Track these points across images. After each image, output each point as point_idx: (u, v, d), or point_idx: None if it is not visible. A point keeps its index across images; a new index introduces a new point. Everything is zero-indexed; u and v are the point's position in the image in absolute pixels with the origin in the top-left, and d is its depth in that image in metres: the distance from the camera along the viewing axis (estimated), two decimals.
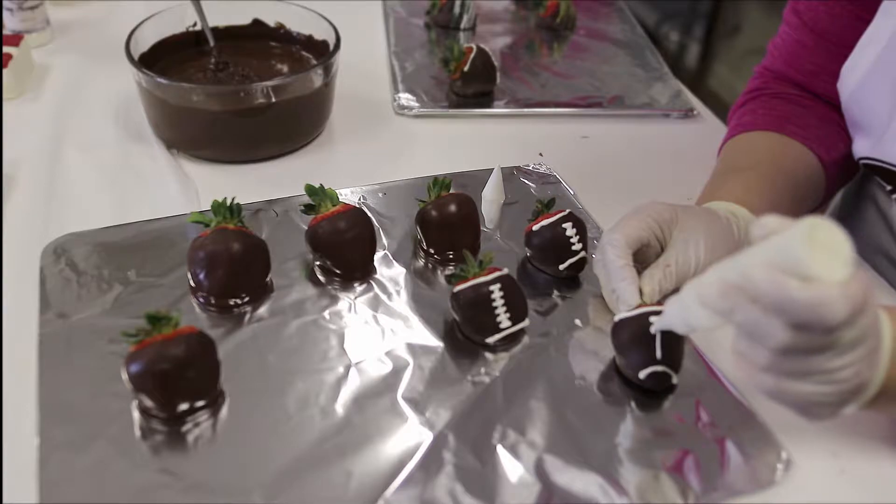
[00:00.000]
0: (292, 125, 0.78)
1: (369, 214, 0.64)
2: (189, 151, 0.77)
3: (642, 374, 0.53)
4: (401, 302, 0.61)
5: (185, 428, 0.50)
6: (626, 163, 0.83)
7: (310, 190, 0.62)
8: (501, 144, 0.84)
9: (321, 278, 0.62)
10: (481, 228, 0.68)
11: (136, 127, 0.80)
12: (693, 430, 0.52)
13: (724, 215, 0.61)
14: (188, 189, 0.72)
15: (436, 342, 0.58)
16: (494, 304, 0.56)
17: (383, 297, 0.61)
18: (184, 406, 0.50)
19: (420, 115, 0.87)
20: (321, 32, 0.84)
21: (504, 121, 0.89)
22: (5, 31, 0.91)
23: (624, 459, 0.50)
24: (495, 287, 0.56)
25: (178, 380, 0.49)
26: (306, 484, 0.47)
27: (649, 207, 0.60)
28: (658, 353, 0.53)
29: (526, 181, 0.76)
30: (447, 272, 0.64)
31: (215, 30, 0.85)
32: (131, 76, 0.75)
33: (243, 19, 0.88)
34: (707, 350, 0.58)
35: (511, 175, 0.76)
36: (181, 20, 0.84)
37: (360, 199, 0.71)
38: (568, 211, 0.63)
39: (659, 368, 0.53)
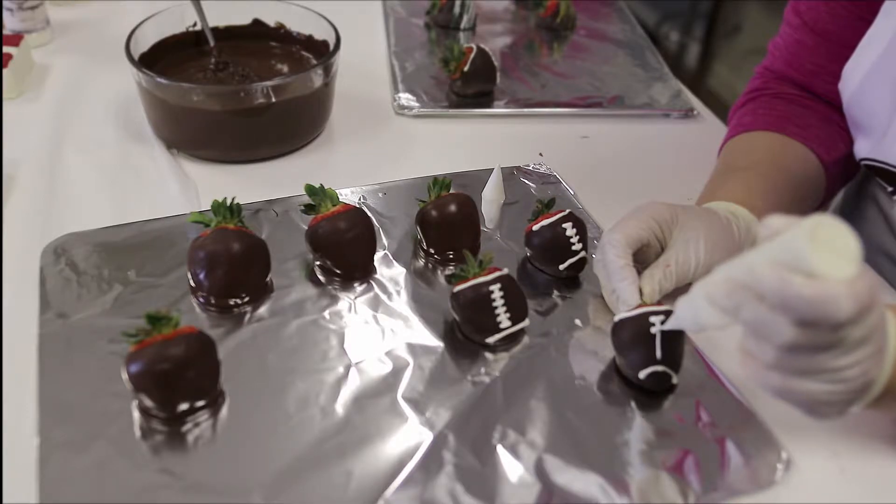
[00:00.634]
0: (292, 125, 0.78)
1: (369, 214, 0.64)
2: (189, 151, 0.77)
3: (642, 374, 0.53)
4: (401, 302, 0.61)
5: (185, 428, 0.50)
6: (626, 163, 0.83)
7: (310, 190, 0.62)
8: (501, 144, 0.84)
9: (321, 278, 0.62)
10: (481, 228, 0.68)
11: (136, 127, 0.80)
12: (693, 430, 0.52)
13: (724, 215, 0.61)
14: (188, 189, 0.72)
15: (436, 342, 0.57)
16: (494, 304, 0.56)
17: (383, 297, 0.61)
18: (184, 406, 0.50)
19: (420, 115, 0.87)
20: (321, 32, 0.84)
21: (504, 121, 0.89)
22: (5, 31, 0.91)
23: (624, 459, 0.50)
24: (495, 287, 0.56)
25: (178, 380, 0.49)
26: (306, 484, 0.47)
27: (649, 207, 0.60)
28: (658, 353, 0.53)
29: (526, 181, 0.76)
30: (447, 272, 0.64)
31: (215, 30, 0.85)
32: (131, 76, 0.75)
33: (243, 19, 0.88)
34: (707, 350, 0.58)
35: (511, 175, 0.76)
36: (181, 20, 0.84)
37: (360, 199, 0.71)
38: (568, 211, 0.63)
39: (659, 368, 0.53)
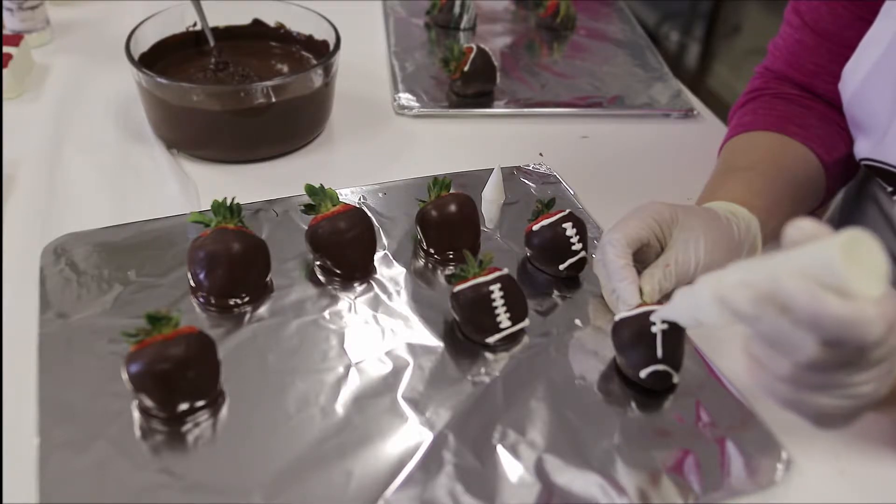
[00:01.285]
0: (292, 125, 0.78)
1: (369, 214, 0.64)
2: (189, 151, 0.77)
3: (643, 374, 0.53)
4: (401, 302, 0.61)
5: (185, 428, 0.50)
6: (626, 163, 0.83)
7: (310, 190, 0.62)
8: (501, 144, 0.84)
9: (321, 278, 0.62)
10: (481, 228, 0.68)
11: (136, 127, 0.80)
12: (693, 430, 0.52)
13: (724, 215, 0.61)
14: (188, 189, 0.72)
15: (436, 342, 0.57)
16: (494, 304, 0.56)
17: (383, 297, 0.61)
18: (184, 406, 0.50)
19: (420, 115, 0.87)
20: (321, 32, 0.84)
21: (504, 121, 0.89)
22: (5, 31, 0.91)
23: (624, 459, 0.50)
24: (495, 287, 0.56)
25: (178, 380, 0.49)
26: (306, 484, 0.47)
27: (649, 207, 0.60)
28: (659, 353, 0.53)
29: (526, 181, 0.76)
30: (447, 272, 0.64)
31: (215, 30, 0.85)
32: (131, 76, 0.75)
33: (243, 19, 0.88)
34: (707, 350, 0.58)
35: (511, 175, 0.76)
36: (181, 20, 0.84)
37: (360, 199, 0.71)
38: (568, 211, 0.63)
39: (660, 367, 0.53)
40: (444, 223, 0.64)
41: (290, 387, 0.53)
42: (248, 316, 0.58)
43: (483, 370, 0.56)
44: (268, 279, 0.61)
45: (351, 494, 0.47)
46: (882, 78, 0.63)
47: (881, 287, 0.37)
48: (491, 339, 0.56)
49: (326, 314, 0.59)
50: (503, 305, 0.56)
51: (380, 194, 0.72)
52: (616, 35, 1.10)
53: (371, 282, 0.62)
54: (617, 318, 0.56)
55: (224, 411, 0.51)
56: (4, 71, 0.82)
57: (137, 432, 0.49)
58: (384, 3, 1.11)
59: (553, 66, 1.00)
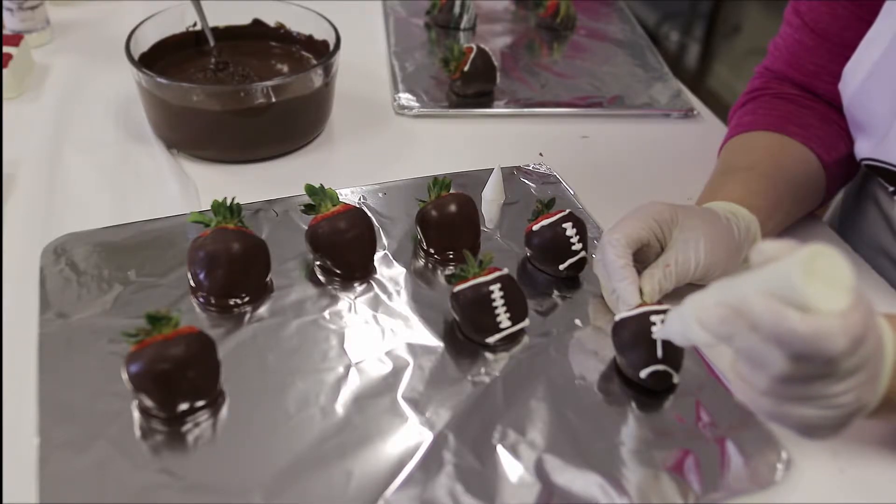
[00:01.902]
0: (292, 125, 0.78)
1: (369, 214, 0.64)
2: (189, 151, 0.77)
3: (643, 374, 0.53)
4: (401, 302, 0.61)
5: (185, 428, 0.50)
6: (626, 163, 0.83)
7: (310, 190, 0.62)
8: (501, 144, 0.84)
9: (321, 278, 0.62)
10: (481, 228, 0.68)
11: (136, 127, 0.80)
12: (693, 430, 0.52)
13: (724, 215, 0.61)
14: (188, 189, 0.72)
15: (436, 342, 0.57)
16: (494, 304, 0.56)
17: (383, 297, 0.61)
18: (184, 406, 0.50)
19: (420, 115, 0.87)
20: (321, 32, 0.84)
21: (504, 121, 0.89)
22: (5, 31, 0.91)
23: (624, 459, 0.50)
24: (495, 287, 0.56)
25: (178, 380, 0.49)
26: (306, 484, 0.47)
27: (649, 207, 0.60)
28: (659, 353, 0.53)
29: (526, 181, 0.76)
30: (447, 272, 0.64)
31: (215, 30, 0.85)
32: (131, 76, 0.75)
33: (243, 19, 0.88)
34: (707, 350, 0.58)
35: (511, 175, 0.76)
36: (181, 20, 0.84)
37: (360, 199, 0.71)
38: (568, 211, 0.63)
39: (660, 368, 0.53)
40: (444, 223, 0.64)
41: (290, 387, 0.53)
42: (248, 316, 0.58)
43: (483, 370, 0.56)
44: (268, 279, 0.61)
45: (351, 494, 0.47)
46: (882, 78, 0.63)
47: (845, 300, 0.38)
48: (491, 339, 0.56)
49: (326, 314, 0.59)
50: (503, 305, 0.56)
51: (380, 194, 0.72)
52: (616, 35, 1.10)
53: (371, 282, 0.62)
54: (617, 318, 0.56)
55: (224, 411, 0.51)
56: (4, 71, 0.82)
57: (137, 432, 0.49)
58: (384, 3, 1.11)
59: (553, 66, 1.00)
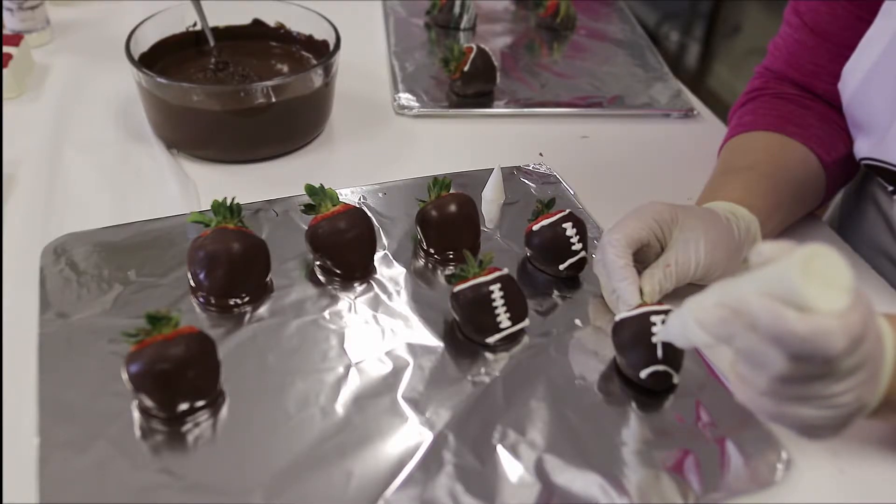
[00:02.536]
0: (292, 125, 0.78)
1: (369, 214, 0.64)
2: (189, 151, 0.77)
3: (643, 374, 0.53)
4: (401, 302, 0.61)
5: (185, 428, 0.50)
6: (626, 163, 0.83)
7: (310, 190, 0.62)
8: (501, 144, 0.84)
9: (321, 278, 0.62)
10: (481, 228, 0.68)
11: (136, 127, 0.80)
12: (693, 430, 0.52)
13: (724, 215, 0.61)
14: (188, 189, 0.72)
15: (436, 342, 0.57)
16: (494, 304, 0.56)
17: (383, 297, 0.61)
18: (184, 406, 0.50)
19: (420, 115, 0.87)
20: (321, 32, 0.84)
21: (504, 121, 0.89)
22: (5, 31, 0.91)
23: (624, 459, 0.50)
24: (495, 287, 0.56)
25: (178, 380, 0.49)
26: (306, 484, 0.47)
27: (649, 207, 0.60)
28: (659, 353, 0.53)
29: (526, 181, 0.76)
30: (447, 272, 0.64)
31: (215, 30, 0.85)
32: (131, 76, 0.75)
33: (243, 19, 0.88)
34: (707, 350, 0.58)
35: (511, 175, 0.76)
36: (181, 20, 0.84)
37: (360, 199, 0.71)
38: (568, 211, 0.63)
39: (660, 368, 0.53)
40: (444, 223, 0.64)
41: (290, 387, 0.53)
42: (248, 316, 0.58)
43: (483, 370, 0.56)
44: (268, 279, 0.61)
45: (351, 494, 0.47)
46: (882, 77, 0.63)
47: (844, 300, 0.38)
48: (491, 339, 0.56)
49: (326, 314, 0.59)
50: (503, 305, 0.56)
51: (380, 194, 0.72)
52: (616, 35, 1.10)
53: (371, 282, 0.62)
54: (617, 318, 0.56)
55: (224, 411, 0.51)
56: (4, 71, 0.82)
57: (137, 432, 0.49)
58: (384, 3, 1.11)
59: (553, 66, 1.00)
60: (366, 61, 0.97)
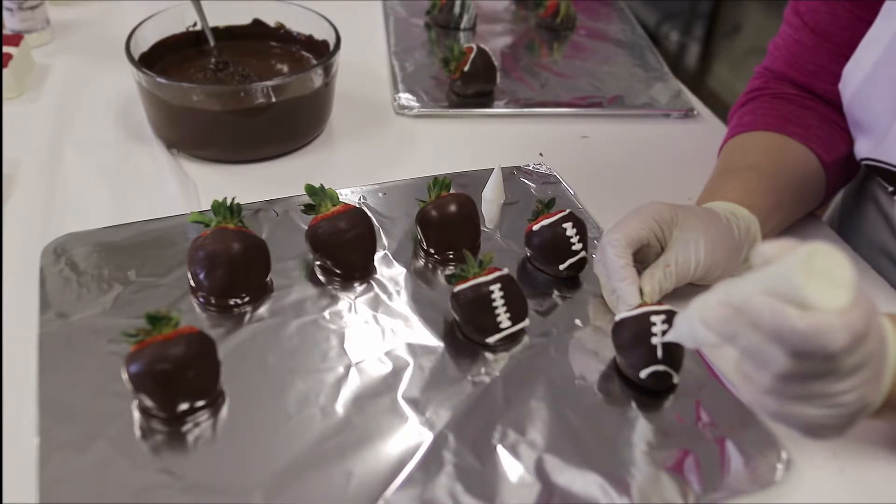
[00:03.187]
0: (292, 125, 0.78)
1: (369, 214, 0.64)
2: (189, 151, 0.77)
3: (643, 374, 0.53)
4: (401, 302, 0.61)
5: (185, 428, 0.50)
6: (626, 163, 0.83)
7: (310, 190, 0.62)
8: (501, 144, 0.84)
9: (321, 278, 0.62)
10: (481, 228, 0.68)
11: (136, 127, 0.80)
12: (693, 430, 0.52)
13: (724, 215, 0.61)
14: (188, 189, 0.72)
15: (436, 342, 0.57)
16: (494, 304, 0.56)
17: (383, 297, 0.61)
18: (184, 406, 0.50)
19: (420, 115, 0.87)
20: (321, 32, 0.84)
21: (504, 121, 0.89)
22: (5, 31, 0.91)
23: (624, 459, 0.50)
24: (495, 287, 0.56)
25: (178, 380, 0.49)
26: (306, 484, 0.47)
27: (649, 207, 0.60)
28: (659, 353, 0.53)
29: (526, 181, 0.76)
30: (447, 272, 0.64)
31: (215, 30, 0.85)
32: (131, 76, 0.75)
33: (243, 19, 0.88)
34: (707, 350, 0.58)
35: (511, 175, 0.76)
36: (181, 20, 0.84)
37: (360, 199, 0.71)
38: (568, 211, 0.63)
39: (660, 368, 0.53)
40: (444, 223, 0.64)
41: (290, 387, 0.53)
42: (248, 316, 0.58)
43: (483, 370, 0.56)
44: (268, 279, 0.61)
45: (351, 494, 0.47)
46: (882, 78, 0.63)
47: (846, 297, 0.38)
48: (491, 339, 0.56)
49: (326, 314, 0.59)
50: (503, 305, 0.56)
51: (380, 194, 0.72)
52: (616, 35, 1.10)
53: (371, 282, 0.62)
54: (617, 318, 0.56)
55: (224, 411, 0.51)
56: (4, 71, 0.82)
57: (137, 432, 0.49)
58: (384, 3, 1.11)
59: (553, 66, 1.00)
60: (366, 61, 0.97)
